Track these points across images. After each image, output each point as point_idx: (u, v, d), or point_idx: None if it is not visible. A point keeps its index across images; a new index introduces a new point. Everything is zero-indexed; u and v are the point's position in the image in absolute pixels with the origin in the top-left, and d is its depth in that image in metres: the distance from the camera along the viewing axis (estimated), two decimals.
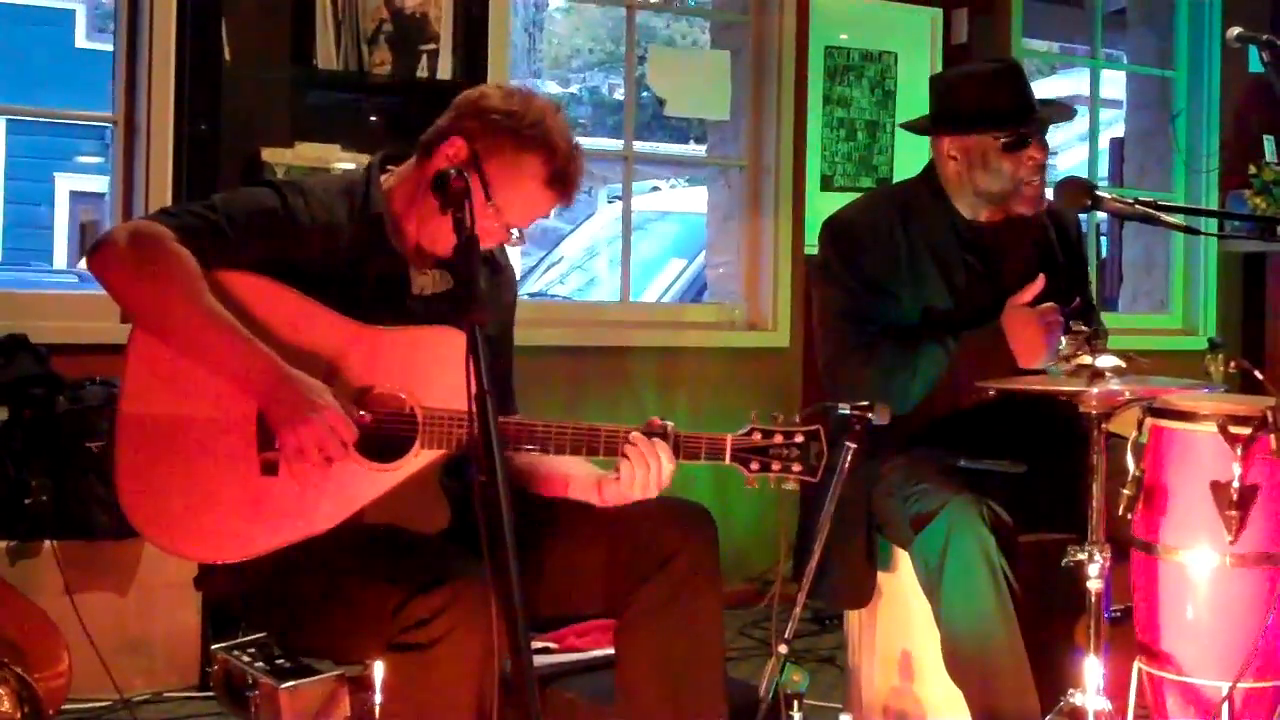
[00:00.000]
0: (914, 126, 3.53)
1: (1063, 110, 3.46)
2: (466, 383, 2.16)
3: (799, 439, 2.63)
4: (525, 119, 2.62)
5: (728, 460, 2.62)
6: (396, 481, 2.52)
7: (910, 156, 5.63)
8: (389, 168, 2.77)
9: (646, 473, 2.59)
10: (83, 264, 12.73)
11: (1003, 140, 3.27)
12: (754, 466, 2.62)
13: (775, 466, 2.62)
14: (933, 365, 3.20)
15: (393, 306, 2.62)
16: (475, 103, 2.67)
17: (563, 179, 2.65)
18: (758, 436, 2.63)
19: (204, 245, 2.51)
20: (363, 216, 2.66)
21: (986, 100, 3.35)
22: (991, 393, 2.85)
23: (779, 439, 2.63)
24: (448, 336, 2.51)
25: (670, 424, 2.62)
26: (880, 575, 3.32)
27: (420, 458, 2.53)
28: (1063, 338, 2.93)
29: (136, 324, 2.54)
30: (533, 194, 2.64)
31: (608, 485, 2.65)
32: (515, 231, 2.69)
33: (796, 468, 2.62)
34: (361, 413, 2.51)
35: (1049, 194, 3.20)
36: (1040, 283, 3.21)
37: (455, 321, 2.46)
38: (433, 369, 2.53)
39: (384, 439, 2.53)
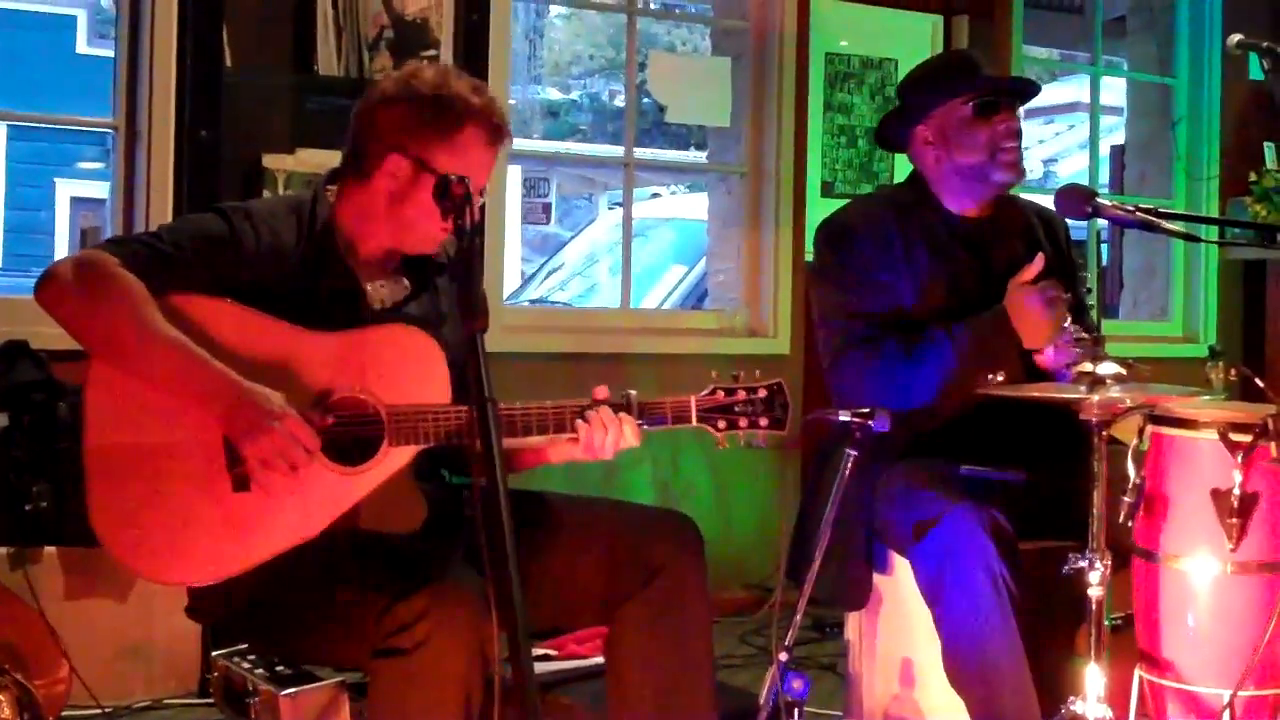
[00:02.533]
0: (887, 139, 3.57)
1: (1026, 81, 3.48)
2: (470, 384, 2.17)
3: (762, 393, 2.66)
4: (439, 102, 2.64)
5: (694, 421, 2.64)
6: (375, 484, 2.51)
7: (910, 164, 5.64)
8: (329, 186, 2.76)
9: (604, 436, 2.62)
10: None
11: (973, 104, 3.32)
12: (721, 425, 2.65)
13: (742, 423, 2.65)
14: (937, 354, 3.19)
15: (350, 323, 2.61)
16: (386, 113, 2.68)
17: (499, 131, 2.69)
18: (721, 395, 2.66)
19: (151, 273, 2.49)
20: (311, 236, 2.67)
21: (946, 74, 3.45)
22: (1000, 377, 2.86)
23: (742, 395, 2.66)
24: (399, 334, 2.53)
25: (633, 392, 2.64)
26: (881, 582, 3.32)
27: (390, 457, 2.52)
28: (1068, 316, 2.95)
29: (91, 355, 2.52)
30: (482, 158, 2.67)
31: (561, 445, 2.70)
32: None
33: (763, 422, 2.66)
34: (319, 414, 2.51)
35: (1051, 202, 3.20)
36: (1040, 262, 3.23)
37: (412, 320, 2.50)
38: (389, 367, 2.53)
39: (352, 442, 2.53)
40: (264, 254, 2.61)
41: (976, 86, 3.35)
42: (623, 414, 2.62)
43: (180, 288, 2.52)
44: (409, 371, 2.49)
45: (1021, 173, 3.38)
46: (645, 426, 2.66)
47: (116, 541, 2.47)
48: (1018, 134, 3.35)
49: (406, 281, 2.76)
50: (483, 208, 2.68)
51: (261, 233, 2.62)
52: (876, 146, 5.62)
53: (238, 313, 2.53)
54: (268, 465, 2.44)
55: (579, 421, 2.62)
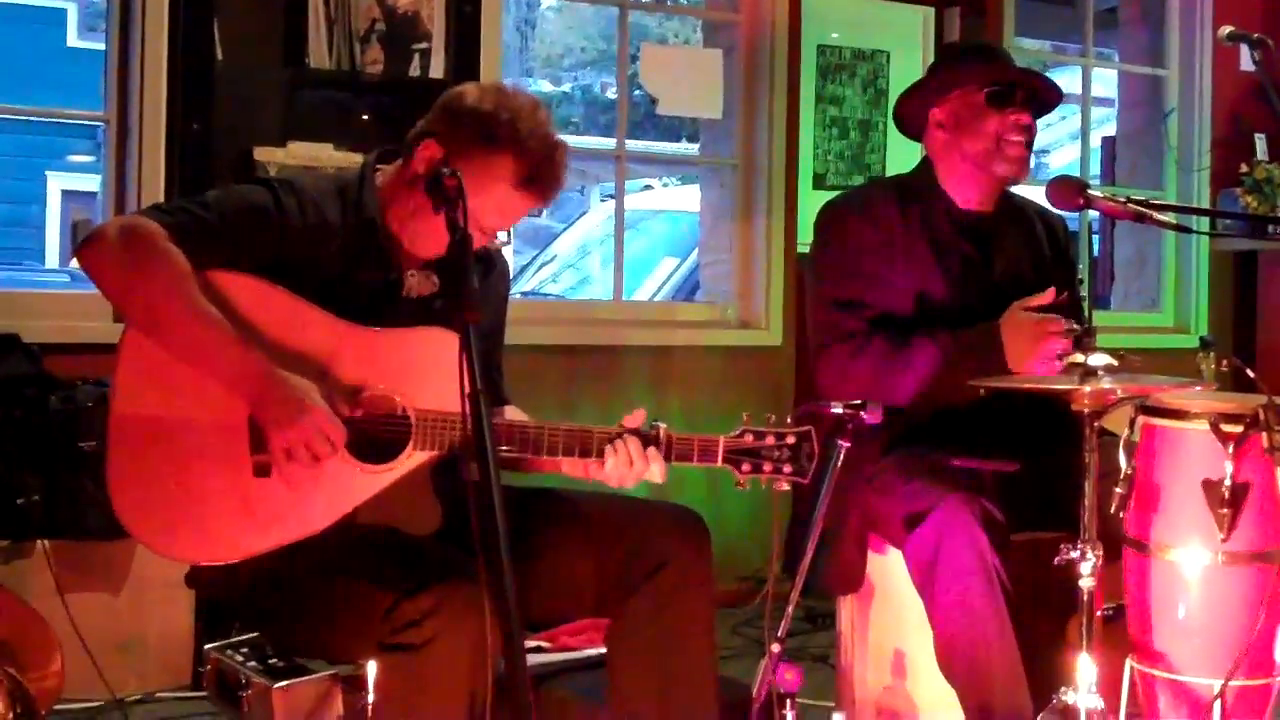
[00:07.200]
0: (903, 120, 3.54)
1: (1050, 84, 3.44)
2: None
3: (790, 440, 2.63)
4: (497, 119, 2.59)
5: (719, 462, 2.63)
6: (389, 482, 2.52)
7: (903, 155, 5.63)
8: (380, 167, 2.76)
9: (629, 471, 2.60)
10: (75, 262, 12.68)
11: (987, 91, 3.31)
12: (745, 468, 2.63)
13: (766, 468, 2.63)
14: (925, 360, 3.19)
15: (385, 309, 2.62)
16: (450, 103, 2.66)
17: (535, 180, 2.61)
18: (750, 438, 2.63)
19: (195, 244, 2.50)
20: (355, 218, 2.66)
21: (967, 59, 3.46)
22: (982, 392, 2.86)
23: (770, 440, 2.63)
24: (441, 337, 2.50)
25: (663, 426, 2.62)
26: (873, 572, 3.32)
27: (413, 459, 2.53)
28: (1061, 353, 2.95)
29: (127, 323, 2.54)
30: (504, 196, 2.61)
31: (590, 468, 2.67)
32: (502, 235, 2.69)
33: (787, 469, 2.63)
34: (350, 407, 2.51)
35: (1043, 193, 3.20)
36: (1050, 295, 3.21)
37: (447, 322, 2.46)
38: (426, 370, 2.53)
39: (377, 440, 2.53)
40: (307, 231, 2.61)
41: (994, 76, 3.35)
42: (651, 449, 2.61)
43: (223, 262, 2.53)
44: (443, 376, 2.40)
45: (1024, 169, 3.36)
46: (670, 463, 2.64)
47: (128, 510, 2.49)
48: (1026, 130, 3.33)
49: (438, 278, 2.74)
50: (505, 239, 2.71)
51: (307, 210, 2.62)
52: (868, 138, 5.64)
53: (278, 296, 2.54)
54: (292, 456, 2.45)
55: (607, 447, 2.60)
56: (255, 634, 2.75)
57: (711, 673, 2.74)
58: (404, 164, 2.68)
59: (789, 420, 2.66)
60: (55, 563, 3.77)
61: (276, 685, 2.58)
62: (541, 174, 2.61)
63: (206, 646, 2.79)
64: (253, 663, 2.67)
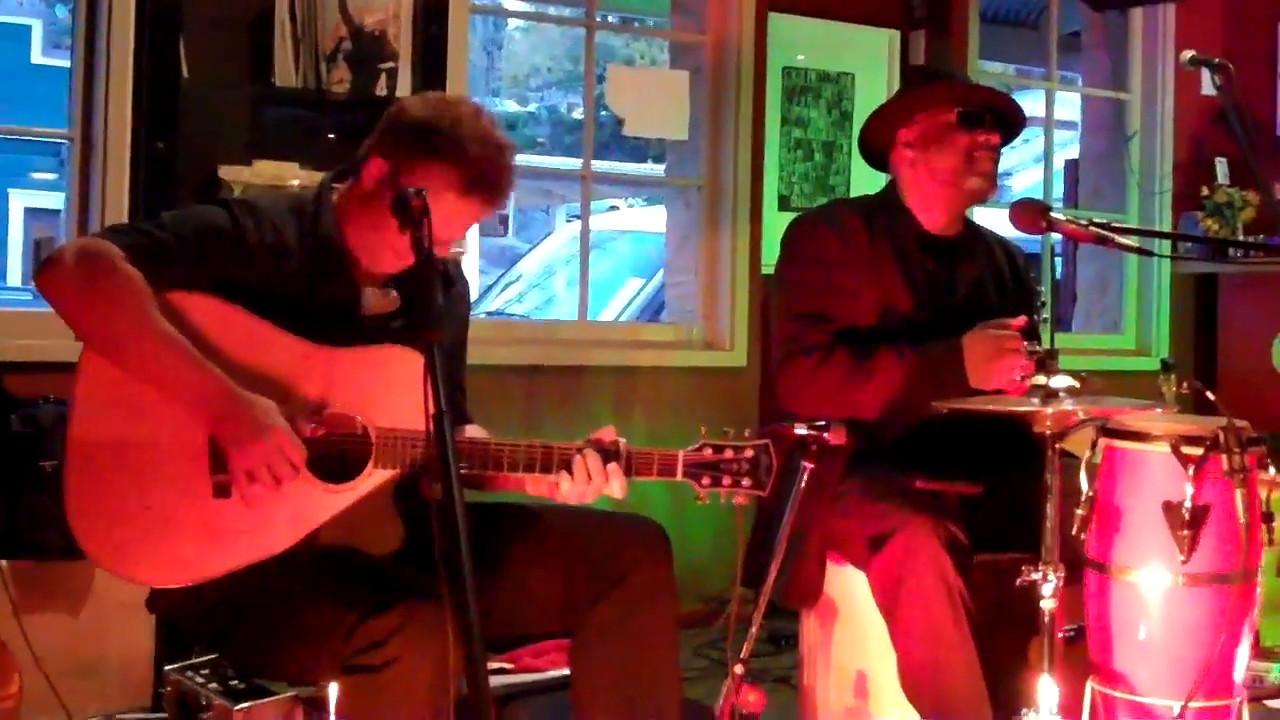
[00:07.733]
0: (869, 145, 3.56)
1: (1017, 109, 3.47)
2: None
3: (749, 454, 2.65)
4: (436, 127, 2.60)
5: (679, 476, 2.64)
6: (350, 501, 2.51)
7: (867, 177, 5.61)
8: (335, 185, 2.76)
9: (588, 486, 2.61)
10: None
11: (958, 112, 3.35)
12: (705, 482, 2.64)
13: (726, 481, 2.64)
14: (887, 373, 3.21)
15: (345, 327, 2.61)
16: (392, 117, 2.68)
17: (481, 184, 2.60)
18: (709, 452, 2.64)
19: (153, 265, 2.49)
20: (312, 237, 2.65)
21: (936, 81, 3.53)
22: (944, 410, 2.87)
23: (729, 454, 2.65)
24: (402, 356, 2.50)
25: (622, 440, 2.63)
26: (836, 594, 3.32)
27: (374, 477, 2.52)
28: (1022, 373, 2.96)
29: (86, 345, 2.52)
30: (451, 204, 2.58)
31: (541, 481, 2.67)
32: (457, 245, 2.70)
33: (746, 482, 2.64)
34: (311, 426, 2.50)
35: (1005, 215, 3.22)
36: (1022, 322, 3.23)
37: (409, 340, 2.47)
38: (387, 389, 2.52)
39: (339, 459, 2.53)
40: (265, 251, 2.60)
41: (965, 96, 3.39)
42: (612, 464, 2.61)
43: (181, 282, 2.52)
44: (404, 394, 2.41)
45: (993, 186, 3.40)
46: (630, 478, 2.65)
47: (87, 533, 2.47)
48: (995, 150, 3.38)
49: (399, 295, 2.75)
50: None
51: (264, 230, 2.61)
52: (833, 160, 5.65)
53: (238, 317, 2.53)
54: (253, 476, 2.44)
55: (562, 473, 2.61)
56: (216, 655, 2.74)
57: (676, 680, 2.75)
58: (354, 181, 2.68)
59: (747, 434, 2.68)
60: (13, 584, 3.74)
61: (238, 707, 2.58)
62: (485, 178, 2.60)
63: (167, 668, 2.78)
64: (214, 684, 2.66)
